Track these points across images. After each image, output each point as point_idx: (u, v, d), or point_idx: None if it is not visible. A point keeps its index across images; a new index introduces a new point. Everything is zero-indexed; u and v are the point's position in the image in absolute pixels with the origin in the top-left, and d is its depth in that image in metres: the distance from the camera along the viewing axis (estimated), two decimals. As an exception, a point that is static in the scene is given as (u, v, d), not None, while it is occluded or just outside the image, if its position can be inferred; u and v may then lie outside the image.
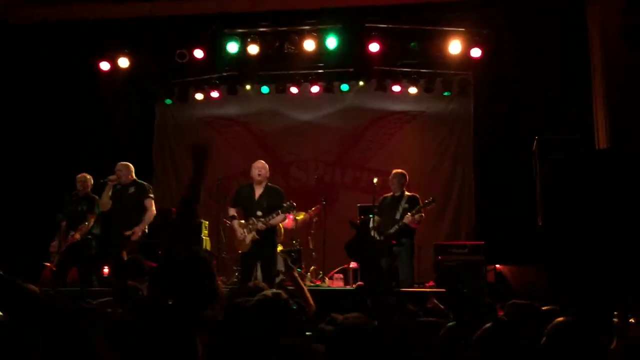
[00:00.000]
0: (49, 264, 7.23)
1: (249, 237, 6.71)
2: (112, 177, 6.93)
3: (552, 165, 5.35)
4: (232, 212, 6.96)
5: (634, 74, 5.77)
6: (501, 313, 4.25)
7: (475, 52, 8.40)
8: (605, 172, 5.05)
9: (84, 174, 7.27)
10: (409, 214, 7.09)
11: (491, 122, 8.78)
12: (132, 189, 6.97)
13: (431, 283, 7.67)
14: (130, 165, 7.08)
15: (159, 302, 2.47)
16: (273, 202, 6.71)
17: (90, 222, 7.09)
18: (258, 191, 6.82)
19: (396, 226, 7.14)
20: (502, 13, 7.89)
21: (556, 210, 5.10)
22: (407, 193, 7.39)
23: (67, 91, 8.77)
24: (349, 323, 2.74)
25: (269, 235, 6.71)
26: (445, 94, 9.63)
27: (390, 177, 7.54)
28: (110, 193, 6.93)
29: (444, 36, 8.45)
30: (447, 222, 9.51)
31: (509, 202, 8.28)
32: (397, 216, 7.22)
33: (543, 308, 3.98)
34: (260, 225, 6.61)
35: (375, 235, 7.20)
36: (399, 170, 7.54)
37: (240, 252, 6.90)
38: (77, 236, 6.96)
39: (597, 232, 4.91)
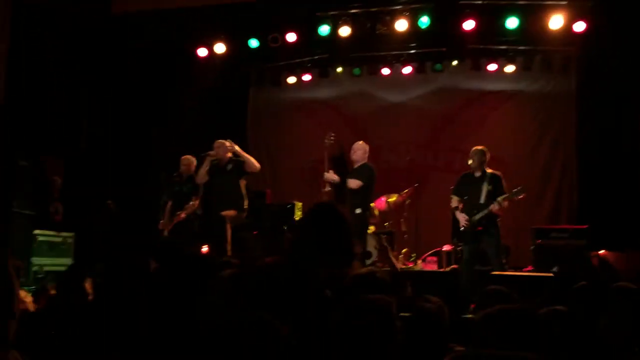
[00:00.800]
0: None
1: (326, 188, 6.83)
2: (211, 152, 7.16)
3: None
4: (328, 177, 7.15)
5: None
6: None
7: (579, 27, 7.95)
8: None
9: (189, 156, 7.52)
10: (496, 204, 6.59)
11: (595, 101, 8.31)
12: (229, 166, 7.17)
13: (529, 268, 7.39)
14: (228, 142, 7.26)
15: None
16: (355, 174, 6.83)
17: (195, 203, 7.34)
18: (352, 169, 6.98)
19: (481, 213, 6.65)
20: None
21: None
22: (488, 171, 6.84)
23: (166, 77, 9.11)
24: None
25: (350, 207, 6.70)
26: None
27: (470, 154, 6.94)
28: (207, 168, 7.16)
29: (544, 10, 8.06)
30: (546, 205, 9.11)
31: (614, 185, 7.83)
32: (482, 200, 6.69)
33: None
34: (328, 176, 6.80)
35: (464, 216, 6.92)
36: (479, 147, 6.92)
37: None
38: (183, 215, 7.26)
39: None
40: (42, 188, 7.13)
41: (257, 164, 7.21)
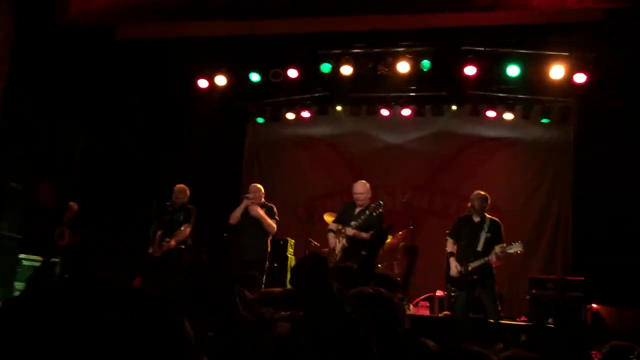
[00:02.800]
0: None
1: (339, 246, 6.65)
2: (249, 196, 7.23)
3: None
4: (332, 226, 6.92)
5: None
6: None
7: (580, 78, 8.01)
8: None
9: (182, 186, 7.47)
10: (493, 256, 6.47)
11: (594, 151, 8.31)
12: (263, 210, 7.24)
13: (523, 318, 7.26)
14: (262, 188, 7.36)
15: None
16: (370, 222, 6.57)
17: (186, 231, 7.27)
18: (358, 208, 6.78)
19: (477, 261, 6.54)
20: (609, 37, 7.47)
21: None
22: (487, 216, 6.78)
23: (165, 107, 9.07)
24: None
25: (359, 247, 6.55)
26: (544, 121, 9.23)
27: (471, 197, 6.84)
28: (242, 211, 7.20)
29: (545, 60, 8.13)
30: (540, 255, 9.02)
31: (610, 238, 7.76)
32: (479, 247, 6.58)
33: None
34: (349, 231, 6.53)
35: (456, 265, 6.75)
36: (482, 192, 6.84)
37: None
38: (173, 243, 7.17)
39: None
40: (32, 212, 6.99)
41: (273, 227, 7.24)
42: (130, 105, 8.50)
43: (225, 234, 7.69)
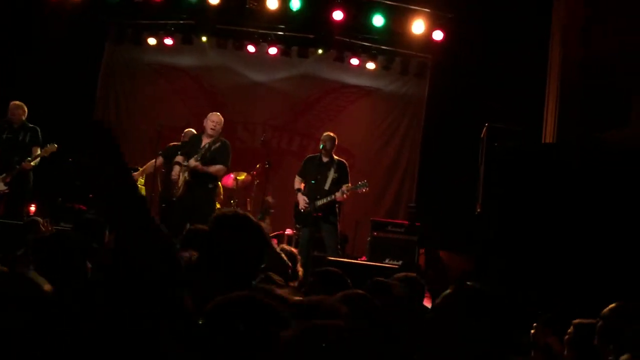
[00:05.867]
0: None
1: (181, 179, 6.56)
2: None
3: (496, 153, 5.35)
4: (178, 158, 6.74)
5: (588, 73, 5.84)
6: None
7: (437, 35, 8.36)
8: (547, 166, 5.09)
9: (20, 102, 6.84)
10: (339, 192, 6.71)
11: (443, 108, 8.80)
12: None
13: (364, 258, 7.67)
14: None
15: None
16: (213, 155, 6.51)
17: (37, 153, 6.78)
18: (205, 141, 6.64)
19: (324, 199, 6.74)
20: (469, -1, 7.86)
21: (496, 198, 5.09)
22: (335, 157, 7.00)
23: (15, 17, 8.26)
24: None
25: (203, 180, 6.50)
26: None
27: (322, 139, 7.02)
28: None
29: (409, 14, 8.38)
30: (388, 200, 9.55)
31: (450, 189, 8.35)
32: (327, 186, 6.80)
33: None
34: (192, 163, 6.44)
35: (304, 199, 6.92)
36: (331, 134, 7.04)
37: (174, 199, 6.73)
38: (30, 165, 6.69)
39: (532, 225, 4.91)
40: None
41: None
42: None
43: (70, 159, 7.25)
